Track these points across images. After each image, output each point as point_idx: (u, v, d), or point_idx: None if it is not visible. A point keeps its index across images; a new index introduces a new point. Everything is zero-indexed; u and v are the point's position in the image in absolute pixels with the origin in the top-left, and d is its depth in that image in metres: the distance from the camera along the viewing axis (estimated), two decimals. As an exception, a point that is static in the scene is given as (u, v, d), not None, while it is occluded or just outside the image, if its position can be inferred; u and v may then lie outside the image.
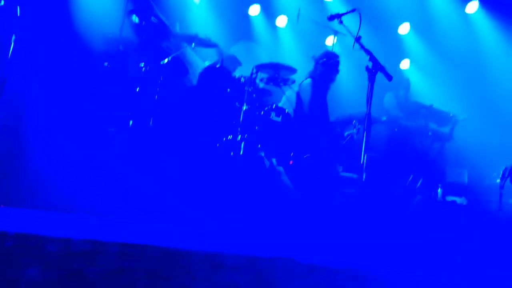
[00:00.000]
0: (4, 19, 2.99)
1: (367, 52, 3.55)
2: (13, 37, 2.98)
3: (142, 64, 5.09)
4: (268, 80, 5.79)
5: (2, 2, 3.01)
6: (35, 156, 3.39)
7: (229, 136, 4.93)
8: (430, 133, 6.21)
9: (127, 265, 2.14)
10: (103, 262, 2.04)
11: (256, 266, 2.37)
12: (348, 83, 7.02)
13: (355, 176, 4.91)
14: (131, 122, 4.51)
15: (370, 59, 3.53)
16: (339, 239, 3.71)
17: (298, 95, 5.49)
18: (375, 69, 3.50)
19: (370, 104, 3.45)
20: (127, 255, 2.21)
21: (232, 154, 4.67)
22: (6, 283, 1.72)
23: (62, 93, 4.01)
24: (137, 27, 5.30)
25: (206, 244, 2.94)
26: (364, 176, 3.60)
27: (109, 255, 2.17)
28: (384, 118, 6.40)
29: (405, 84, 6.96)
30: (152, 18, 5.21)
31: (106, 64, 5.09)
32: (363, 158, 3.50)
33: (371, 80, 3.47)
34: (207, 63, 6.04)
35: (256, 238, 3.58)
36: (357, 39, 3.61)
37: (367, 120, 3.42)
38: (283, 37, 7.83)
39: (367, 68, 3.53)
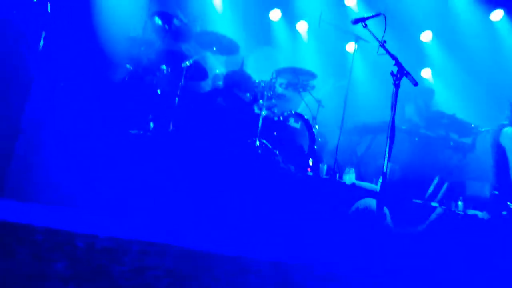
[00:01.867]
0: (35, 15, 3.00)
1: (393, 57, 3.48)
2: (43, 34, 3.00)
3: (163, 67, 5.12)
4: (288, 85, 5.77)
5: (36, -1, 3.02)
6: (57, 155, 3.42)
7: (248, 141, 4.91)
8: (451, 144, 6.10)
9: (148, 264, 2.13)
10: (125, 259, 2.03)
11: (278, 270, 2.34)
12: (369, 91, 6.95)
13: (373, 187, 4.84)
14: (152, 125, 4.53)
15: (395, 64, 3.46)
16: (356, 249, 3.64)
17: (498, 143, 4.93)
18: (401, 74, 3.43)
19: (395, 110, 3.38)
20: (148, 253, 2.21)
21: (251, 158, 4.64)
22: (35, 276, 1.72)
23: (85, 93, 4.05)
24: (159, 29, 5.34)
25: (226, 246, 2.92)
26: (380, 186, 3.52)
27: (130, 253, 2.17)
28: (404, 127, 6.30)
29: (427, 93, 6.86)
30: (175, 20, 5.24)
31: (128, 66, 5.13)
32: (386, 167, 3.42)
33: (397, 85, 3.40)
34: (220, 70, 6.05)
35: (277, 243, 3.54)
36: (382, 44, 3.54)
37: (391, 127, 3.35)
38: (304, 42, 7.80)
39: (392, 73, 3.45)
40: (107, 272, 1.89)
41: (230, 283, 2.14)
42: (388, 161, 3.37)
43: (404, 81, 3.56)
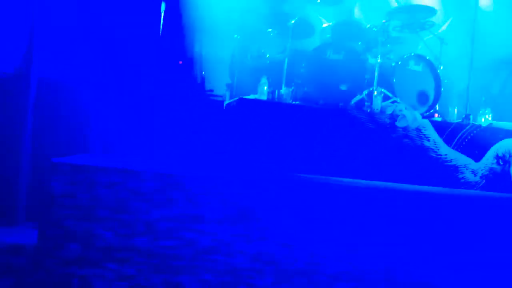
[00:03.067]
0: None
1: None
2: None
3: (269, 30, 5.10)
4: (403, 27, 5.30)
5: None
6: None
7: (364, 92, 4.69)
8: None
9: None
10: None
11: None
12: (501, 20, 6.03)
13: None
14: (266, 89, 4.59)
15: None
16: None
17: None
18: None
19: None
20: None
21: (368, 110, 4.44)
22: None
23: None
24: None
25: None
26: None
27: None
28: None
29: None
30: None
31: (236, 36, 5.19)
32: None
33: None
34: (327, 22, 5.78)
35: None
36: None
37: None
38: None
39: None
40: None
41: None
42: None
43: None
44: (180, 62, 5.06)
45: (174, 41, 4.70)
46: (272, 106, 4.40)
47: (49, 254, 2.18)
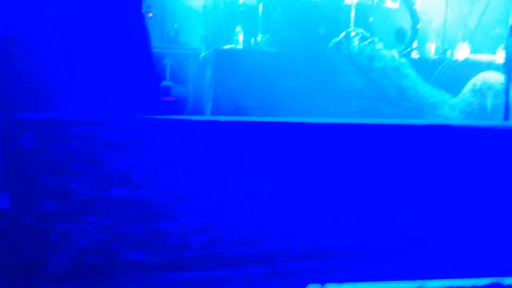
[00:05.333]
0: None
1: None
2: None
3: None
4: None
5: None
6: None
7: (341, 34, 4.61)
8: None
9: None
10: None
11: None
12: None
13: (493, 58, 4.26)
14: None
15: None
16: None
17: None
18: None
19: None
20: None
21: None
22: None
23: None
24: None
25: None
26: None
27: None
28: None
29: None
30: None
31: None
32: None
33: None
34: None
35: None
36: None
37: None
38: None
39: None
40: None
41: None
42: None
43: None
44: (150, 15, 4.86)
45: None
46: (249, 54, 4.31)
47: (26, 211, 2.16)
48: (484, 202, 2.45)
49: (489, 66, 4.30)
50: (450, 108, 4.19)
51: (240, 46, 4.56)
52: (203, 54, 4.88)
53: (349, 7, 4.65)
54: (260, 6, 4.70)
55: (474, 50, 4.76)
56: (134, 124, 2.26)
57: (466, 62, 4.34)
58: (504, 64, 3.36)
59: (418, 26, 4.68)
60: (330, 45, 4.61)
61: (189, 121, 2.34)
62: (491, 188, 2.46)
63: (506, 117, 3.20)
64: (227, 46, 4.62)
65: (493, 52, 4.52)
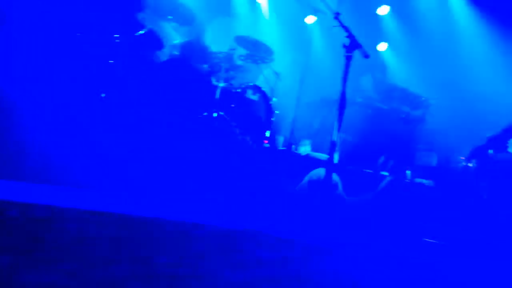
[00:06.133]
0: None
1: (345, 29, 3.49)
2: None
3: (116, 35, 4.95)
4: (247, 57, 5.75)
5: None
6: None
7: (204, 113, 4.90)
8: (403, 116, 6.32)
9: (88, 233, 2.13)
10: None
11: (225, 237, 2.40)
12: (327, 64, 7.03)
13: (325, 156, 4.98)
14: (103, 95, 4.42)
15: (347, 36, 3.47)
16: (308, 217, 3.77)
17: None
18: (353, 46, 3.46)
19: (345, 82, 3.43)
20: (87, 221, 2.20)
21: (207, 130, 4.65)
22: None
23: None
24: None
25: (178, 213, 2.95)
26: (336, 157, 3.63)
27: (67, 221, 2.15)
28: (359, 100, 6.46)
29: (381, 66, 7.04)
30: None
31: (78, 34, 4.93)
32: (337, 139, 3.50)
33: (348, 57, 3.43)
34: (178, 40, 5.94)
35: (229, 211, 3.61)
36: (336, 16, 3.53)
37: (341, 99, 3.42)
38: (263, 13, 7.73)
39: (344, 45, 3.47)
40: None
41: (174, 248, 2.18)
42: (339, 132, 3.46)
43: (358, 53, 3.61)
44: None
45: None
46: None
47: None
48: None
49: (323, 163, 5.00)
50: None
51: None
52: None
53: (215, 89, 5.02)
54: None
55: (315, 148, 5.52)
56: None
57: (307, 157, 4.99)
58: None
59: (271, 119, 5.27)
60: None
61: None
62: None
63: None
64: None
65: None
